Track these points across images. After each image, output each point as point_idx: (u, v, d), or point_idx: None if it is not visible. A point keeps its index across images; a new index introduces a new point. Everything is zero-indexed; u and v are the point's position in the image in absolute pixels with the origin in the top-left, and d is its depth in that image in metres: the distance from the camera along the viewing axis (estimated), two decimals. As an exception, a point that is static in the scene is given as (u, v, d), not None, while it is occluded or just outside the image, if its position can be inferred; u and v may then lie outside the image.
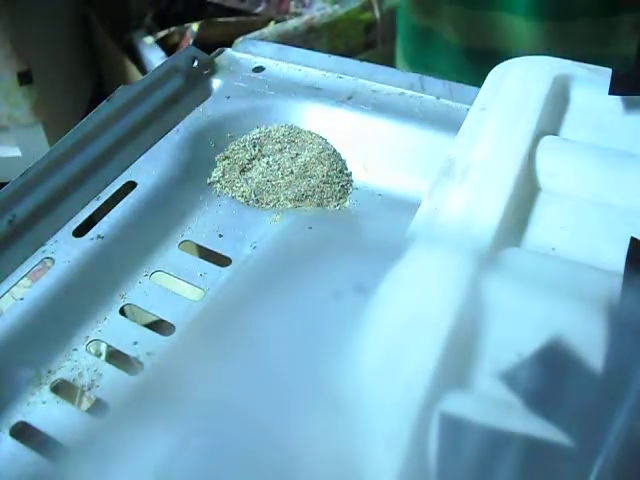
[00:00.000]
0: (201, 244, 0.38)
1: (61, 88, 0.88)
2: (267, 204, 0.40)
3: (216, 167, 0.42)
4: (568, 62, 0.38)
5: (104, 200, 0.38)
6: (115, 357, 0.35)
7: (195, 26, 0.96)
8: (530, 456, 0.22)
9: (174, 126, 0.43)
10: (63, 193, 0.38)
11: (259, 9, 1.02)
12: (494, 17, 0.67)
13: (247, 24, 0.99)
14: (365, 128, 0.42)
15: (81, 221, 0.37)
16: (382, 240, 0.29)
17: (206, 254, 0.37)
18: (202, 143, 0.42)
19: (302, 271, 0.27)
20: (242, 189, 0.40)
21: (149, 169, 0.40)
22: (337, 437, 0.22)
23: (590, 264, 0.29)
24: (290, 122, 0.43)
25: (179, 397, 0.24)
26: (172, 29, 0.96)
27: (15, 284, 0.35)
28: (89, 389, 0.32)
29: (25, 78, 0.77)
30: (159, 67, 0.45)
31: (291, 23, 0.95)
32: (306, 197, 0.39)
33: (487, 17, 0.67)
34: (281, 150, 0.42)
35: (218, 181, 0.41)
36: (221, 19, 0.98)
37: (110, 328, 0.34)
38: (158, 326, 0.34)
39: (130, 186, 0.39)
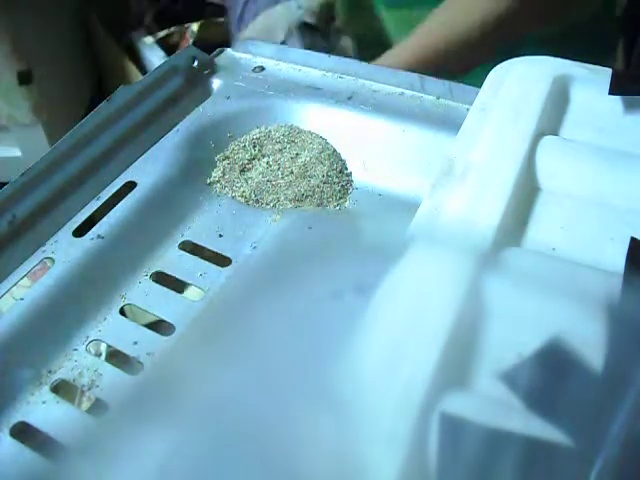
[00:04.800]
0: (201, 244, 0.38)
1: (61, 88, 0.88)
2: (267, 204, 0.40)
3: (216, 167, 0.42)
4: (568, 62, 0.38)
5: (104, 200, 0.38)
6: (115, 357, 0.35)
7: (195, 26, 0.96)
8: (530, 456, 0.22)
9: (174, 126, 0.43)
10: (63, 193, 0.38)
11: (259, 9, 1.02)
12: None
13: (247, 24, 0.99)
14: (365, 128, 0.42)
15: (81, 221, 0.37)
16: (382, 240, 0.29)
17: (206, 254, 0.37)
18: (202, 143, 0.42)
19: (302, 271, 0.27)
20: (242, 189, 0.40)
21: (149, 169, 0.40)
22: (337, 437, 0.22)
23: (590, 264, 0.29)
24: (290, 122, 0.43)
25: (179, 397, 0.24)
26: (172, 29, 0.96)
27: (15, 284, 0.35)
28: (89, 389, 0.32)
29: (25, 78, 0.77)
30: (159, 67, 0.45)
31: (291, 23, 0.95)
32: (306, 197, 0.39)
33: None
34: (281, 150, 0.42)
35: (218, 181, 0.41)
36: (221, 19, 0.98)
37: (110, 328, 0.34)
38: (158, 326, 0.34)
39: (130, 186, 0.39)
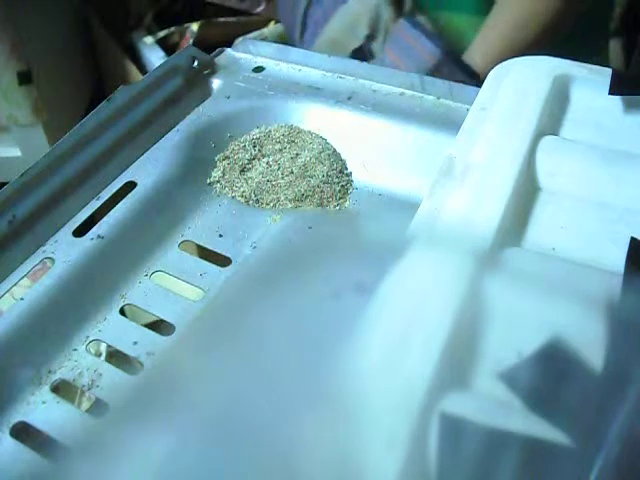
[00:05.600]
0: (201, 244, 0.38)
1: (61, 88, 0.88)
2: (267, 204, 0.40)
3: (216, 167, 0.42)
4: (568, 62, 0.38)
5: (104, 200, 0.38)
6: (115, 357, 0.35)
7: (195, 26, 0.96)
8: (530, 456, 0.22)
9: (174, 126, 0.43)
10: (63, 193, 0.38)
11: (259, 9, 1.02)
12: (439, 17, 0.70)
13: (247, 24, 0.99)
14: (365, 128, 0.42)
15: (81, 221, 0.37)
16: (382, 240, 0.29)
17: (206, 254, 0.37)
18: (202, 143, 0.42)
19: (302, 271, 0.27)
20: (242, 189, 0.40)
21: (149, 169, 0.40)
22: (337, 437, 0.22)
23: (590, 264, 0.29)
24: (290, 122, 0.43)
25: (179, 397, 0.24)
26: (172, 29, 0.96)
27: (15, 284, 0.35)
28: (89, 389, 0.32)
29: (25, 78, 0.77)
30: (159, 67, 0.45)
31: (291, 23, 0.95)
32: (306, 197, 0.39)
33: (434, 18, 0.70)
34: (281, 150, 0.42)
35: (218, 181, 0.41)
36: (221, 19, 0.98)
37: (110, 328, 0.34)
38: (158, 326, 0.34)
39: (130, 186, 0.39)
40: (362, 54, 0.71)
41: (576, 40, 0.69)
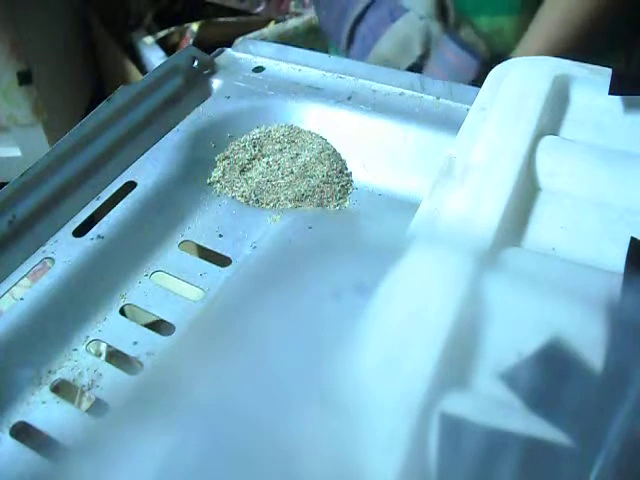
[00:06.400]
0: (201, 244, 0.38)
1: (61, 88, 0.88)
2: (267, 204, 0.40)
3: (216, 167, 0.42)
4: (568, 62, 0.38)
5: (104, 200, 0.38)
6: (115, 357, 0.35)
7: (195, 26, 0.96)
8: (530, 456, 0.22)
9: (174, 126, 0.43)
10: (63, 193, 0.38)
11: (259, 9, 1.02)
12: (481, 23, 0.70)
13: (247, 24, 0.99)
14: (365, 128, 0.42)
15: (81, 221, 0.37)
16: (382, 240, 0.29)
17: (206, 254, 0.37)
18: (202, 143, 0.42)
19: (302, 271, 0.27)
20: (242, 189, 0.40)
21: (149, 169, 0.40)
22: (337, 437, 0.22)
23: (590, 264, 0.29)
24: (290, 122, 0.43)
25: (179, 397, 0.24)
26: (172, 29, 0.96)
27: (15, 284, 0.35)
28: (89, 389, 0.32)
29: (25, 78, 0.77)
30: (159, 67, 0.45)
31: (291, 23, 0.95)
32: (306, 197, 0.39)
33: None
34: (281, 150, 0.42)
35: (218, 181, 0.41)
36: (221, 19, 0.99)
37: (110, 328, 0.34)
38: (158, 326, 0.34)
39: (130, 186, 0.39)
40: (416, 72, 0.72)
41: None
